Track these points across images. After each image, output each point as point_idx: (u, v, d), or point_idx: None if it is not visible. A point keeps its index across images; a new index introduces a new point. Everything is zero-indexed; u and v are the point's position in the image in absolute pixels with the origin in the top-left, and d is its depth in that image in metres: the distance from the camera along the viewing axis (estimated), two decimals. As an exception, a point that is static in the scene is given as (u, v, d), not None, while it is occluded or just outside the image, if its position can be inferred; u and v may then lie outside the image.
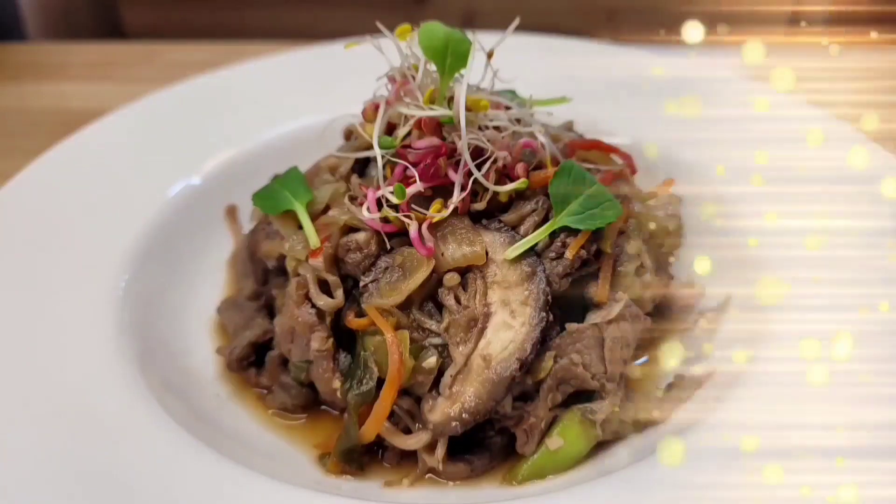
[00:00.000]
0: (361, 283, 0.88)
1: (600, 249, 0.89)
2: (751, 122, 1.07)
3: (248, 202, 1.23)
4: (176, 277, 1.10)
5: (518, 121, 0.92)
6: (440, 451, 0.83)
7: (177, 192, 1.18)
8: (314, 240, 0.89)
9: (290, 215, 0.94)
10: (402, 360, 0.81)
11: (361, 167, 0.99)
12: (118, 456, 0.77)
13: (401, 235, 0.88)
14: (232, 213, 1.26)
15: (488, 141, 0.87)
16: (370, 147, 1.00)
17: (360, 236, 0.88)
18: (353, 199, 0.93)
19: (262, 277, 1.07)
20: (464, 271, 0.86)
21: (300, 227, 0.93)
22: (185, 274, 1.12)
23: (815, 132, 1.03)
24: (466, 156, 0.84)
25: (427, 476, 0.85)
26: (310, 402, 0.95)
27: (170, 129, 1.27)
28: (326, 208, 0.93)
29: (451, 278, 0.85)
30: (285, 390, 0.94)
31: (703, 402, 0.85)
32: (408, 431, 0.85)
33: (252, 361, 0.98)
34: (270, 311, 1.06)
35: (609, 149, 1.02)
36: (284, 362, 0.95)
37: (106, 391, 0.84)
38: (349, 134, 1.18)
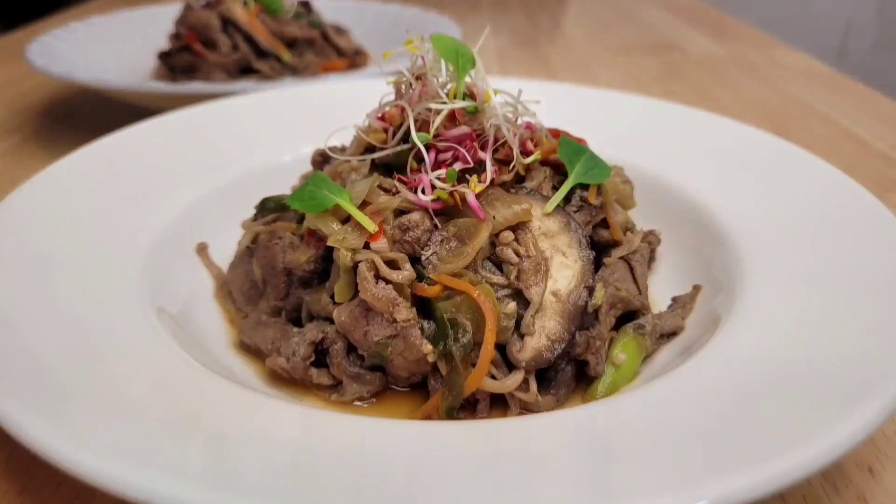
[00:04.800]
0: (423, 258, 0.95)
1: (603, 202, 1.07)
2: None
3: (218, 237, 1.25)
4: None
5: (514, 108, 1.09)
6: (533, 385, 0.92)
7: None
8: (372, 226, 0.95)
9: (329, 213, 0.99)
10: (494, 307, 0.90)
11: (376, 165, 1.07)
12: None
13: (443, 213, 0.98)
14: (203, 250, 1.23)
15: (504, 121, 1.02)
16: (370, 149, 1.10)
17: (415, 215, 0.96)
18: (385, 190, 1.01)
19: (285, 290, 1.07)
20: (513, 229, 0.98)
21: (343, 221, 0.98)
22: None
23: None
24: (509, 136, 0.98)
25: (518, 413, 0.94)
26: (382, 387, 0.98)
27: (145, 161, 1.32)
28: (363, 203, 1.00)
29: (507, 235, 0.96)
30: (357, 380, 0.96)
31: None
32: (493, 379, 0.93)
33: (312, 362, 0.98)
34: (296, 322, 1.07)
35: (568, 135, 1.22)
36: (347, 355, 0.98)
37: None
38: (318, 159, 1.25)
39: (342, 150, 1.25)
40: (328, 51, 2.20)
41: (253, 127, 1.49)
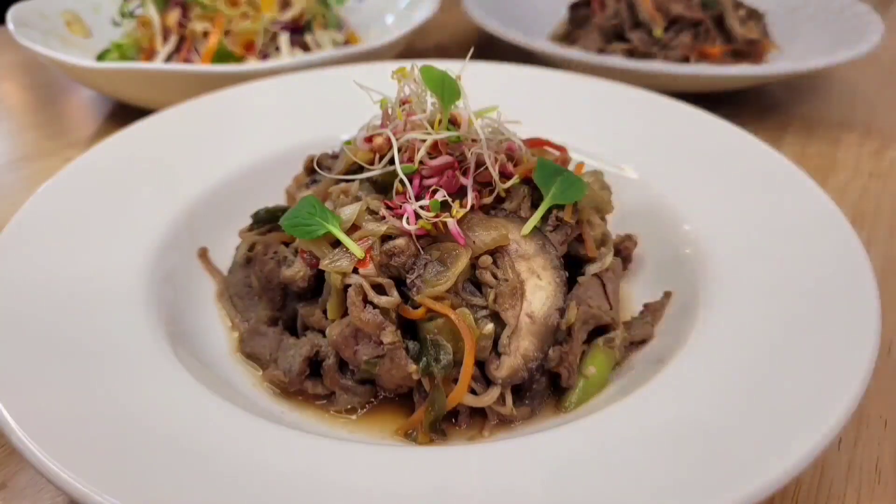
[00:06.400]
0: (409, 281, 1.02)
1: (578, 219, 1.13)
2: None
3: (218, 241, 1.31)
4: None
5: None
6: (509, 399, 1.01)
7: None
8: (360, 252, 1.02)
9: (322, 238, 1.05)
10: (472, 331, 0.98)
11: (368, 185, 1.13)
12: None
13: (424, 238, 1.05)
14: (204, 254, 1.30)
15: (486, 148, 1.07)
16: (356, 167, 1.15)
17: (400, 242, 1.02)
18: (372, 213, 1.07)
19: (281, 302, 1.15)
20: (491, 253, 1.05)
21: (334, 245, 1.05)
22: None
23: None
24: (491, 166, 1.03)
25: (496, 423, 1.03)
26: (373, 397, 1.07)
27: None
28: (352, 227, 1.06)
29: (485, 259, 1.03)
30: (349, 392, 1.05)
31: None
32: (473, 393, 1.02)
33: (307, 375, 1.07)
34: (292, 331, 1.15)
35: (550, 144, 1.27)
36: (339, 368, 1.06)
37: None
38: (310, 165, 1.31)
39: (334, 158, 1.30)
40: (714, 35, 2.09)
41: (254, 118, 1.55)
